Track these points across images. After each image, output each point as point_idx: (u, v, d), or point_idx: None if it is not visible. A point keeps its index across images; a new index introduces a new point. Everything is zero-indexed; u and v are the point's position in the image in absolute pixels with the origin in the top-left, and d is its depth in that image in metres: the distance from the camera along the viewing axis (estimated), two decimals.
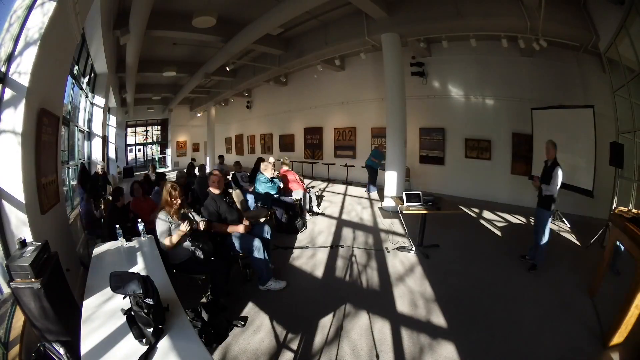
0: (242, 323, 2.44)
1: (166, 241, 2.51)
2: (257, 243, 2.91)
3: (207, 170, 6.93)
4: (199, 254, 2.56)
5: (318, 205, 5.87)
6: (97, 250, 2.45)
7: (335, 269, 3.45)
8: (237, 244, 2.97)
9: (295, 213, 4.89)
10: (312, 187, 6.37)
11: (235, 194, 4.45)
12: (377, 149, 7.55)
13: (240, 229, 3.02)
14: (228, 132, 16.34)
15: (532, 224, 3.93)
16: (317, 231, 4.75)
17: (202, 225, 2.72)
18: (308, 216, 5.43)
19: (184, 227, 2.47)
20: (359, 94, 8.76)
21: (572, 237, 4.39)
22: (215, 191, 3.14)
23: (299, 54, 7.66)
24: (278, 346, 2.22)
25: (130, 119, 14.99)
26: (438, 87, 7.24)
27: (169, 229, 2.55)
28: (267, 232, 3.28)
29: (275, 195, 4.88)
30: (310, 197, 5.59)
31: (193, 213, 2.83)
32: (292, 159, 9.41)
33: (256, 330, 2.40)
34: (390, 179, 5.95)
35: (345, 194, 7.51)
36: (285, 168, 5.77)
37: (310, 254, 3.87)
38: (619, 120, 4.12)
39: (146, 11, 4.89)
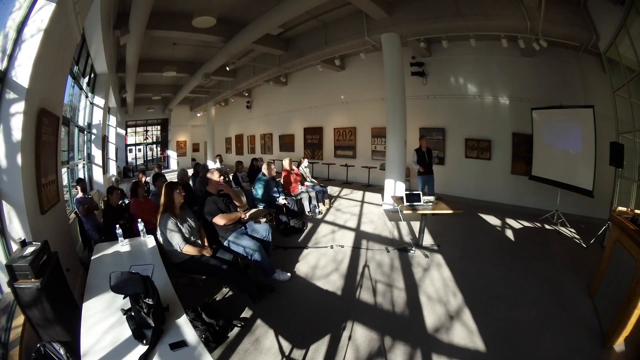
0: (243, 323, 2.44)
1: (187, 249, 2.54)
2: (258, 246, 2.93)
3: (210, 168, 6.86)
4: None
5: (327, 202, 5.96)
6: (97, 250, 2.45)
7: (336, 269, 3.44)
8: (237, 248, 2.97)
9: (296, 213, 4.89)
10: (320, 186, 6.27)
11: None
12: None
13: (240, 215, 3.16)
14: (228, 132, 16.32)
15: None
16: (317, 231, 4.74)
17: (208, 252, 2.70)
18: (309, 217, 5.43)
19: (207, 253, 2.65)
20: (359, 94, 8.74)
21: (572, 237, 4.39)
22: (212, 191, 3.17)
23: (299, 54, 7.66)
24: (280, 349, 2.22)
25: (130, 118, 14.97)
26: (438, 87, 7.22)
27: (182, 233, 2.56)
28: (267, 232, 3.28)
29: (276, 197, 4.87)
30: (310, 197, 5.58)
31: (191, 221, 2.77)
32: (291, 159, 9.35)
33: (257, 332, 2.40)
34: (390, 179, 5.95)
35: (345, 196, 7.51)
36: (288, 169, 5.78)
37: (310, 254, 3.87)
38: (619, 120, 4.12)
39: (146, 11, 4.89)
